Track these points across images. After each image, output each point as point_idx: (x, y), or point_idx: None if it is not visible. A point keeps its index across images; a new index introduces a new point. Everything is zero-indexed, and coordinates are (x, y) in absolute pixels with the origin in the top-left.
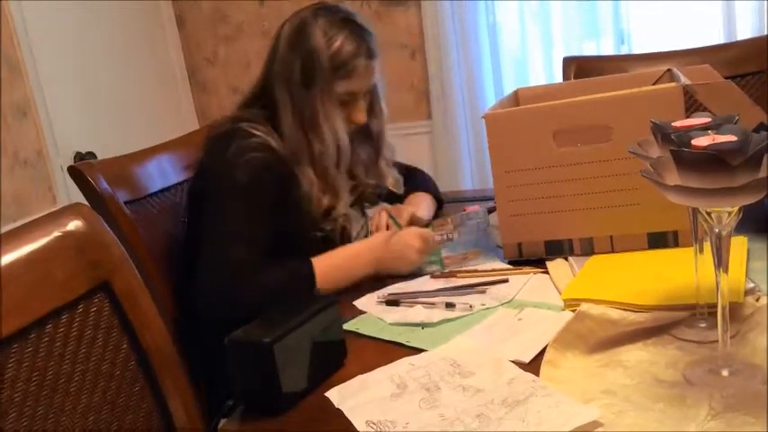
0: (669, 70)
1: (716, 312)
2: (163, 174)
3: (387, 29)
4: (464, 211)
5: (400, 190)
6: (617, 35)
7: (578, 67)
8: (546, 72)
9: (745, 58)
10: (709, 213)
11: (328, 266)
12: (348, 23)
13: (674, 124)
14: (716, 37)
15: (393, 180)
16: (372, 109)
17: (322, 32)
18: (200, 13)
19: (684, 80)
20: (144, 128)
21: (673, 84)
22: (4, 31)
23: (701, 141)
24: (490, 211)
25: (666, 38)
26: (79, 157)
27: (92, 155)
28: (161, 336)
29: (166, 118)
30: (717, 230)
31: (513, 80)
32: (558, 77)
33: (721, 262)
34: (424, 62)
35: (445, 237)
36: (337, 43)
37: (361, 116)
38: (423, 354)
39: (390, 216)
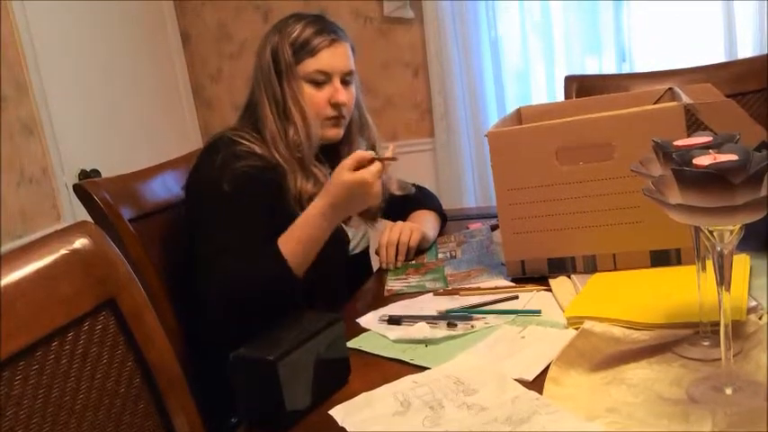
0: (670, 89)
1: (719, 330)
2: (167, 191)
3: (390, 47)
4: (467, 228)
5: (409, 190)
6: (618, 51)
7: (580, 86)
8: (548, 88)
9: (747, 75)
10: (711, 231)
11: (291, 241)
12: (310, 16)
13: (675, 143)
14: (717, 53)
15: (397, 184)
16: (360, 124)
17: (286, 26)
18: (205, 31)
19: (686, 99)
20: (148, 145)
21: (674, 103)
22: (12, 50)
23: (703, 160)
24: (493, 228)
25: (667, 54)
26: (84, 174)
27: (96, 172)
28: (166, 353)
29: (171, 135)
30: (719, 248)
31: (515, 97)
32: (559, 94)
33: (724, 280)
34: (427, 80)
35: (448, 254)
36: (298, 29)
37: (340, 95)
38: (426, 371)
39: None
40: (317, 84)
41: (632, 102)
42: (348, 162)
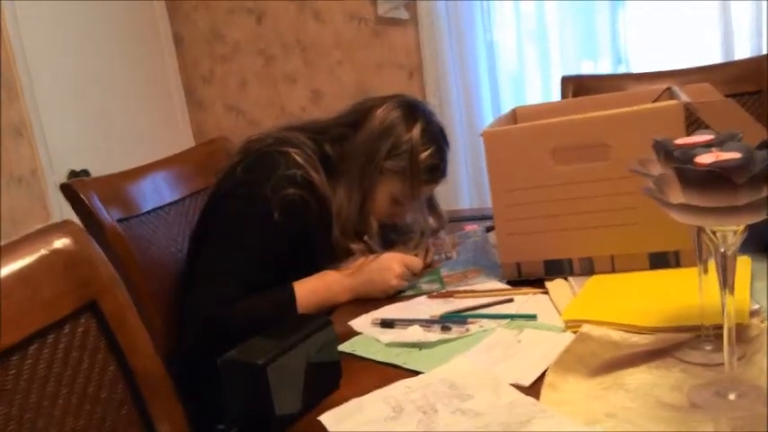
0: (669, 88)
1: (721, 334)
2: (157, 192)
3: (384, 49)
4: (462, 230)
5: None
6: (615, 55)
7: (576, 86)
8: (544, 92)
9: (744, 77)
10: (714, 232)
11: (308, 292)
12: (441, 136)
13: (676, 142)
14: (714, 56)
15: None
16: (436, 209)
17: (420, 134)
18: (198, 32)
19: (685, 98)
20: (140, 146)
21: (673, 101)
22: (2, 51)
23: (705, 159)
24: (488, 230)
25: (665, 57)
26: (73, 174)
27: (86, 173)
28: (150, 357)
29: (163, 136)
30: (722, 250)
31: (510, 100)
32: (555, 97)
33: (727, 282)
34: (422, 82)
35: (444, 256)
36: (428, 152)
37: (404, 219)
38: (420, 376)
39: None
40: (397, 201)
41: (629, 101)
42: (398, 270)
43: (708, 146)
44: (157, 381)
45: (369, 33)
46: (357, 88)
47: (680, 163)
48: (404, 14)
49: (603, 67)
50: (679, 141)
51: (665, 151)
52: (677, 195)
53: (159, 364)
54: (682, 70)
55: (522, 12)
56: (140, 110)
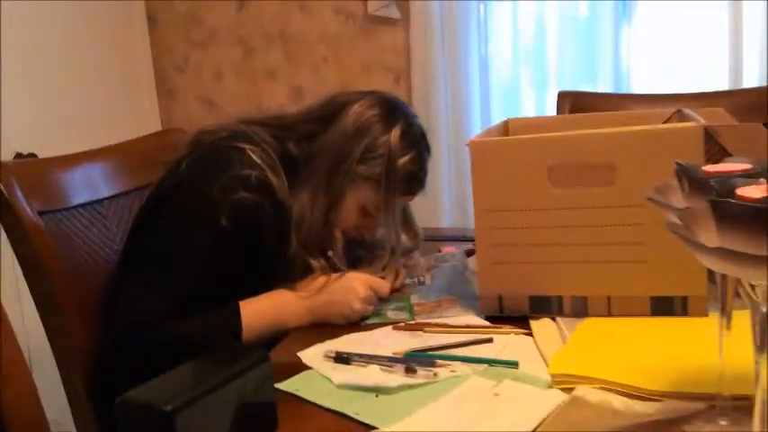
0: (679, 111)
1: (739, 407)
2: (92, 184)
3: (372, 48)
4: (439, 251)
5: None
6: (616, 82)
7: (574, 103)
8: (538, 107)
9: (755, 105)
10: (752, 286)
11: (256, 314)
12: (422, 142)
13: (704, 168)
14: (721, 82)
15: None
16: (411, 225)
17: (399, 136)
18: (174, 15)
19: (701, 121)
20: (100, 133)
21: (692, 123)
22: None
23: (751, 192)
24: (469, 253)
25: (668, 86)
26: (18, 158)
27: (33, 156)
28: (26, 391)
29: (127, 126)
30: (763, 309)
31: (502, 112)
32: (551, 113)
33: (764, 346)
34: (409, 87)
35: (416, 280)
36: (407, 158)
37: (374, 232)
38: None
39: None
40: (367, 212)
41: (634, 121)
42: (362, 293)
43: (746, 176)
44: (32, 421)
45: (356, 31)
46: (341, 88)
47: (717, 195)
48: (395, 13)
49: (603, 90)
50: (709, 168)
51: (692, 178)
52: (709, 235)
53: (37, 399)
54: (688, 95)
55: (521, 30)
56: (105, 95)
